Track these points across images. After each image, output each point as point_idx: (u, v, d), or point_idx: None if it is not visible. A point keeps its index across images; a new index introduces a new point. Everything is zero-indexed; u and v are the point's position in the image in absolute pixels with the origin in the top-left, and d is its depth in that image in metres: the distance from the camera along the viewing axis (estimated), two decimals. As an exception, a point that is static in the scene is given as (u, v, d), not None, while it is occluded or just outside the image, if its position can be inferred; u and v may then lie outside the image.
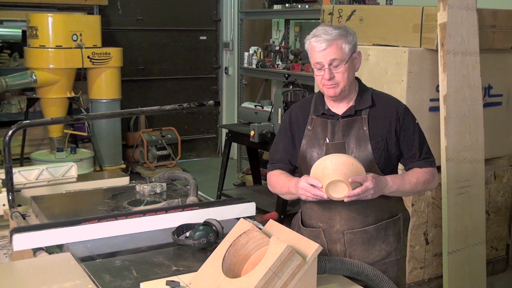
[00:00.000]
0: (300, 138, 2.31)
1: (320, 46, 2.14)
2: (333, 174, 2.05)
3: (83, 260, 2.13)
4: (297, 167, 2.37)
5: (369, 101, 2.26)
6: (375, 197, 2.14)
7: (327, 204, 2.22)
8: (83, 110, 6.02)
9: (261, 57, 6.68)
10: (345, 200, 2.08)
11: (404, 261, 2.40)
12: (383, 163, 2.22)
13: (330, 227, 2.28)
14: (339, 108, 2.27)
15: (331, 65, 2.16)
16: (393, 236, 2.31)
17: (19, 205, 2.83)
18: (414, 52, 3.77)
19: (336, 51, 2.14)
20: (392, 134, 2.24)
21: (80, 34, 5.83)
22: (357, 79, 2.32)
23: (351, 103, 2.26)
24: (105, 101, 6.24)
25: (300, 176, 2.30)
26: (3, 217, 2.96)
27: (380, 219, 2.27)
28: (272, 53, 6.54)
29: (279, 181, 2.34)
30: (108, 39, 6.63)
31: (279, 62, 6.36)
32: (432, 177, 2.30)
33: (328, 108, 2.29)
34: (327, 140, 2.24)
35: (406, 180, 2.23)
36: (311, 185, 2.11)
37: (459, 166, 3.75)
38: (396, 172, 2.33)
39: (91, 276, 1.98)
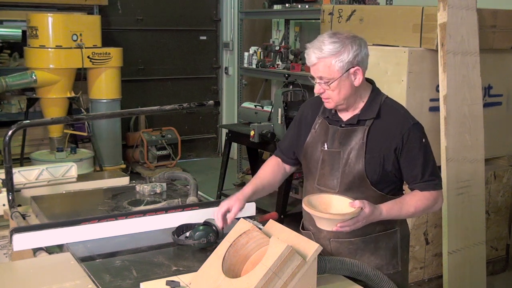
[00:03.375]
0: (306, 135, 2.29)
1: (309, 61, 2.09)
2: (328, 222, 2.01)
3: (83, 260, 2.13)
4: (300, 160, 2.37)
5: (375, 112, 2.15)
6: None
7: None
8: (83, 110, 6.01)
9: (261, 57, 6.67)
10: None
11: (400, 277, 2.28)
12: (376, 179, 2.13)
13: (318, 232, 2.26)
14: (344, 114, 2.21)
15: (321, 80, 2.09)
16: (386, 250, 2.24)
17: (19, 205, 2.83)
18: (414, 52, 3.76)
19: (323, 69, 2.06)
20: (391, 151, 2.12)
21: (80, 34, 5.83)
22: (371, 82, 2.24)
23: (357, 112, 2.18)
24: (105, 101, 6.24)
25: (303, 172, 2.33)
26: (3, 217, 2.96)
27: (370, 232, 2.19)
28: (272, 53, 6.54)
29: (258, 172, 2.39)
30: (108, 39, 6.63)
31: (279, 62, 6.36)
32: (433, 202, 2.17)
33: (335, 112, 2.22)
34: (325, 147, 2.21)
35: (403, 211, 2.12)
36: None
37: (459, 166, 3.75)
38: (397, 191, 2.23)
39: (91, 276, 1.98)
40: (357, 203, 1.98)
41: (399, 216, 2.15)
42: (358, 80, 2.12)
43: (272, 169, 2.40)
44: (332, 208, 2.05)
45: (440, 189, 2.19)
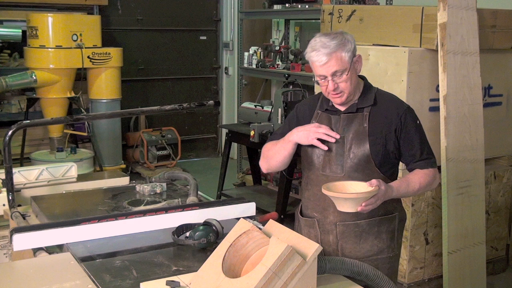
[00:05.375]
0: None
1: (320, 60, 2.18)
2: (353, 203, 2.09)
3: (83, 260, 2.13)
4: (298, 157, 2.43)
5: (371, 100, 2.30)
6: None
7: (322, 195, 2.24)
8: (83, 110, 6.01)
9: (261, 57, 6.67)
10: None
11: (396, 260, 2.44)
12: (380, 160, 2.27)
13: (324, 218, 2.35)
14: (342, 106, 2.33)
15: (334, 76, 2.20)
16: (387, 233, 2.35)
17: (19, 205, 2.83)
18: (414, 52, 3.76)
19: (337, 62, 2.18)
20: (392, 132, 2.28)
21: (80, 34, 5.83)
22: (363, 78, 2.37)
23: (354, 101, 2.31)
24: (105, 101, 6.24)
25: (302, 171, 2.42)
26: (3, 217, 2.96)
27: (374, 215, 2.30)
28: (272, 53, 6.54)
29: (274, 147, 2.38)
30: (108, 39, 6.63)
31: (279, 62, 6.36)
32: (433, 178, 2.33)
33: (332, 105, 2.34)
34: None
35: (410, 187, 2.28)
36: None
37: (459, 166, 3.75)
38: (396, 170, 2.38)
39: (91, 276, 1.98)
40: (374, 181, 2.10)
41: (407, 193, 2.29)
42: (359, 68, 2.31)
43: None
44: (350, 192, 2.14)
45: (436, 166, 2.36)
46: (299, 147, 2.36)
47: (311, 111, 2.39)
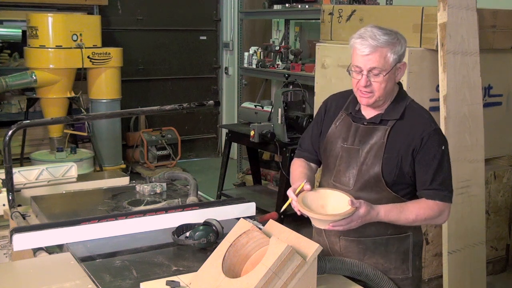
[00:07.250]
0: (327, 129, 2.25)
1: (363, 51, 2.01)
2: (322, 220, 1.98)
3: (83, 260, 2.13)
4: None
5: (398, 113, 2.12)
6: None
7: None
8: (83, 110, 6.01)
9: (261, 57, 6.67)
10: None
11: (412, 283, 2.26)
12: (392, 180, 2.09)
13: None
14: (368, 112, 2.17)
15: (370, 72, 2.03)
16: (397, 253, 2.20)
17: (19, 205, 2.83)
18: (414, 52, 3.76)
19: (379, 59, 2.01)
20: (409, 152, 2.08)
21: (80, 34, 5.83)
22: (399, 85, 2.19)
23: (381, 111, 2.14)
24: (105, 101, 6.24)
25: (322, 168, 2.30)
26: (3, 217, 2.96)
27: (381, 233, 2.16)
28: (272, 53, 6.54)
29: (292, 175, 2.28)
30: (108, 39, 6.63)
31: (279, 62, 6.36)
32: (437, 213, 2.09)
33: (359, 109, 2.19)
34: (345, 143, 2.18)
35: (402, 215, 2.05)
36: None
37: (459, 166, 3.74)
38: (414, 195, 2.16)
39: (91, 276, 1.98)
40: (355, 202, 1.94)
41: (397, 220, 2.07)
42: (399, 76, 2.11)
43: (303, 166, 2.31)
44: (328, 205, 2.04)
45: (448, 202, 2.11)
46: (320, 147, 2.25)
47: (338, 109, 2.24)
